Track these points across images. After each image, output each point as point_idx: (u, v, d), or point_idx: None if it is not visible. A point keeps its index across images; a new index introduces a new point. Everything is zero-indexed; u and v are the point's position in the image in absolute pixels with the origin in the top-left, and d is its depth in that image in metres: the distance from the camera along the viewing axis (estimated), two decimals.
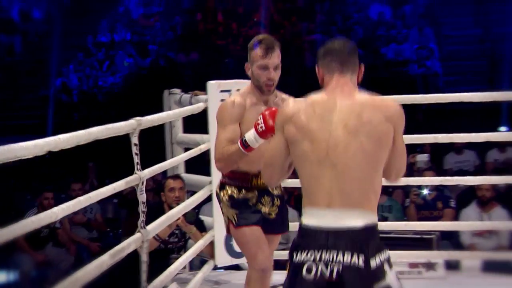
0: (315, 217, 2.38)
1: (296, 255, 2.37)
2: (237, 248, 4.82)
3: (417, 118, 9.55)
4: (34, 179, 8.95)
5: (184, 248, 4.89)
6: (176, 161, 4.90)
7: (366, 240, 2.32)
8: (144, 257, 3.54)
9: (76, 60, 13.02)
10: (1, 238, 2.36)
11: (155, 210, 4.46)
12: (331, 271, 2.28)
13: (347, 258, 2.28)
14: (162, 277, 3.85)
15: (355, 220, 2.33)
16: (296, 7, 13.09)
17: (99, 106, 11.76)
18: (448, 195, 6.74)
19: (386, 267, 2.32)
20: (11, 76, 13.30)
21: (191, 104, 4.89)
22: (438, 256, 4.94)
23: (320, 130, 2.41)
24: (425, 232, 5.20)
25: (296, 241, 2.43)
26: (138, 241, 3.46)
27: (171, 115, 4.68)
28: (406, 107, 6.66)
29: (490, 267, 4.87)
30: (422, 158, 7.20)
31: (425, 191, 6.45)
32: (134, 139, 3.48)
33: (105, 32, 13.56)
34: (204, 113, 4.70)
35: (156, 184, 6.75)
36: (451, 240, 6.00)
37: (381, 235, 5.18)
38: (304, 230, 2.41)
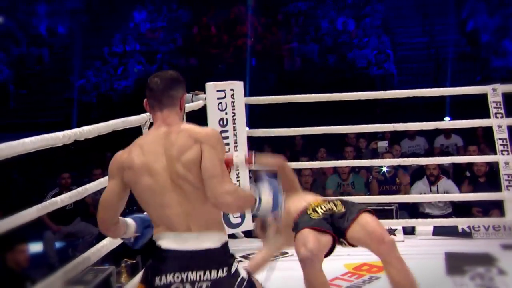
0: (176, 241, 2.17)
1: (160, 279, 2.15)
2: (234, 220, 4.80)
3: (376, 111, 9.52)
4: (60, 167, 8.87)
5: None
6: None
7: (224, 256, 2.21)
8: None
9: (94, 67, 12.94)
10: (34, 215, 2.33)
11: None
12: None
13: (213, 274, 2.16)
14: None
15: (214, 241, 2.18)
16: (276, 21, 13.03)
17: (114, 106, 11.67)
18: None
19: (239, 267, 2.25)
20: (40, 82, 13.21)
21: (192, 102, 4.86)
22: (397, 224, 4.95)
23: (156, 163, 2.20)
24: (386, 203, 5.21)
25: (155, 265, 2.20)
26: None
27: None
28: (368, 102, 6.70)
29: (440, 231, 4.89)
30: (382, 144, 7.21)
31: (384, 169, 6.45)
32: (145, 131, 3.46)
33: (118, 44, 13.48)
34: (203, 109, 4.67)
35: None
36: (407, 209, 6.01)
37: None
38: (164, 253, 2.17)
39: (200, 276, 2.15)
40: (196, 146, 2.20)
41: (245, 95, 4.97)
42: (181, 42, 13.26)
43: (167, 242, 2.18)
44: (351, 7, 13.20)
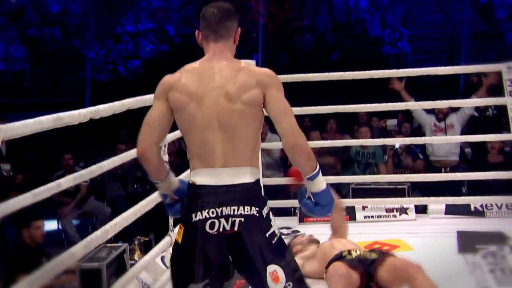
0: (211, 177, 2.17)
1: (196, 215, 2.15)
2: None
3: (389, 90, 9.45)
4: (76, 144, 8.95)
5: None
6: None
7: (256, 193, 2.21)
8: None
9: (107, 47, 12.95)
10: (49, 192, 2.37)
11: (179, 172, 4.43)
12: (232, 224, 2.14)
13: (247, 209, 2.15)
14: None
15: (248, 176, 2.18)
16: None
17: (127, 85, 11.69)
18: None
19: (271, 216, 2.22)
20: (53, 61, 13.24)
21: None
22: (409, 202, 4.96)
23: (205, 97, 2.17)
24: (399, 183, 5.22)
25: (190, 202, 2.20)
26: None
27: None
28: (381, 81, 6.70)
29: (452, 210, 4.89)
30: (391, 122, 7.18)
31: (397, 145, 6.49)
32: None
33: (131, 23, 13.44)
34: None
35: (177, 149, 6.71)
36: (420, 188, 6.02)
37: (363, 186, 5.25)
38: (200, 190, 2.18)
39: (234, 211, 2.15)
40: (259, 87, 2.18)
41: None
42: (194, 21, 13.20)
43: (202, 178, 2.19)
44: None
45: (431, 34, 11.57)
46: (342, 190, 5.90)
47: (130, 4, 13.91)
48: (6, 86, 12.62)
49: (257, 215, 2.16)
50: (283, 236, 2.29)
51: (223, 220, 2.14)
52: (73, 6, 14.10)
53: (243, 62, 2.26)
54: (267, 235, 2.17)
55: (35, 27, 13.79)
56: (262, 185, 2.35)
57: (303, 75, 5.16)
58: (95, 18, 13.55)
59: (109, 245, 3.50)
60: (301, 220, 4.94)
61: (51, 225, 7.00)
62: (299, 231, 4.60)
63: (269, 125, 6.44)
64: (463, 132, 6.26)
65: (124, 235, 4.86)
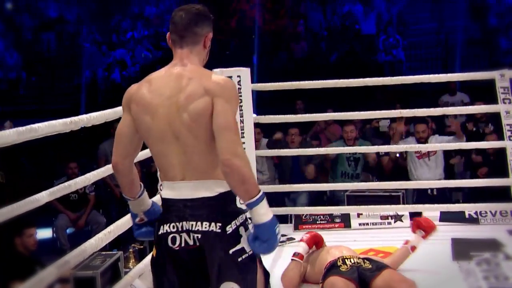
0: (173, 190, 2.11)
1: (159, 229, 2.12)
2: (239, 205, 4.81)
3: (386, 97, 9.46)
4: (69, 153, 8.90)
5: None
6: None
7: (221, 208, 2.07)
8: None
9: (103, 54, 12.95)
10: (43, 200, 2.36)
11: None
12: (194, 239, 2.06)
13: (205, 226, 2.05)
14: None
15: (209, 190, 2.07)
16: (283, 5, 12.82)
17: (123, 91, 11.67)
18: None
19: (241, 231, 2.08)
20: (49, 68, 13.24)
21: None
22: (403, 209, 4.95)
23: (159, 106, 2.08)
24: (393, 190, 5.22)
25: (162, 214, 2.18)
26: (159, 201, 3.45)
27: None
28: (376, 88, 6.67)
29: (446, 217, 4.89)
30: (384, 123, 7.08)
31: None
32: None
33: (126, 30, 13.45)
34: None
35: None
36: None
37: (357, 193, 5.24)
38: (164, 203, 2.16)
39: (192, 226, 2.07)
40: (207, 97, 2.06)
41: (253, 81, 4.96)
42: None
43: (165, 191, 2.15)
44: None
45: (426, 41, 11.62)
46: (338, 196, 5.91)
47: (125, 12, 13.90)
48: (1, 93, 12.61)
49: (219, 231, 2.05)
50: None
51: (184, 235, 2.08)
52: (69, 13, 14.08)
53: (204, 70, 2.16)
54: (230, 251, 2.06)
55: (31, 34, 13.78)
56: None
57: (297, 82, 5.17)
58: (91, 25, 13.55)
59: (104, 253, 3.50)
60: (296, 227, 4.93)
61: (45, 233, 6.97)
62: (294, 238, 4.60)
63: (263, 132, 6.46)
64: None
65: (119, 243, 4.84)
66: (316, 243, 3.59)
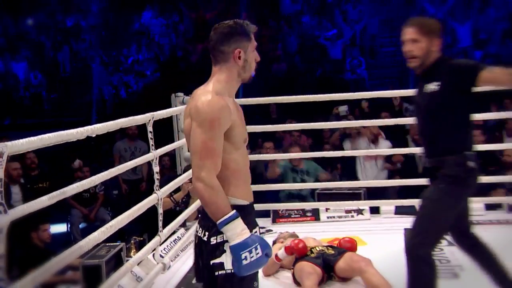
0: None
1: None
2: None
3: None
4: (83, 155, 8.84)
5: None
6: (181, 143, 4.88)
7: (211, 220, 1.89)
8: (160, 210, 3.54)
9: (112, 74, 12.92)
10: (56, 198, 2.35)
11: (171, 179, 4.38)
12: (196, 240, 2.02)
13: (199, 231, 1.97)
14: (171, 224, 3.86)
15: None
16: (266, 26, 12.77)
17: (129, 106, 11.66)
18: None
19: (226, 246, 1.87)
20: (66, 87, 13.23)
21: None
22: (364, 205, 4.99)
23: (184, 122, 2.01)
24: (356, 188, 5.25)
25: None
26: (155, 199, 3.46)
27: (176, 110, 4.63)
28: (342, 102, 6.68)
29: (401, 210, 4.91)
30: (343, 108, 6.80)
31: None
32: (149, 128, 3.47)
33: (133, 53, 13.39)
34: None
35: (172, 161, 6.59)
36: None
37: (325, 191, 5.26)
38: None
39: (197, 228, 2.02)
40: (188, 119, 1.95)
41: (239, 96, 4.98)
42: (183, 53, 13.16)
43: None
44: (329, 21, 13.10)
45: (385, 63, 11.70)
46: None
47: (132, 37, 13.85)
48: (27, 108, 12.58)
49: (205, 239, 1.94)
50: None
51: (196, 234, 2.05)
52: (82, 40, 14.01)
53: (207, 90, 1.92)
54: (211, 262, 1.91)
55: (50, 57, 13.74)
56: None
57: (273, 97, 5.21)
58: (101, 49, 13.52)
59: (108, 244, 3.50)
60: (273, 221, 4.95)
61: (61, 228, 6.92)
62: (272, 230, 4.63)
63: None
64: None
65: (122, 235, 4.82)
66: (294, 253, 3.47)
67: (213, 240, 1.92)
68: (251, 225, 1.95)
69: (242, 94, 7.99)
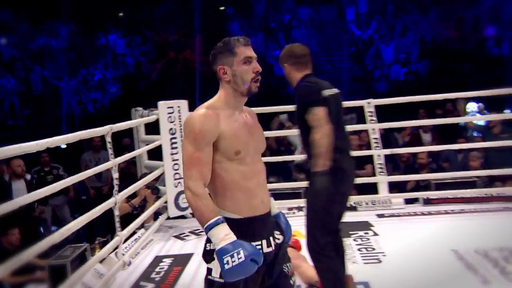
0: None
1: None
2: (182, 204, 4.77)
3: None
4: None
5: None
6: (141, 152, 4.81)
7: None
8: (116, 212, 3.48)
9: (80, 90, 12.62)
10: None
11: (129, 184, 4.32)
12: None
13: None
14: (131, 225, 3.80)
15: None
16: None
17: (95, 119, 11.40)
18: None
19: (215, 257, 1.70)
20: (38, 103, 12.81)
21: (148, 116, 4.82)
22: (304, 202, 5.01)
23: None
24: (296, 187, 5.28)
25: None
26: (113, 202, 3.40)
27: (134, 122, 4.57)
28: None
29: None
30: (283, 116, 6.82)
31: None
32: (108, 139, 3.41)
33: (98, 71, 13.11)
34: (157, 122, 4.63)
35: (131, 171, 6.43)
36: None
37: (272, 191, 5.28)
38: None
39: None
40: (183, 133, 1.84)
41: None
42: (147, 70, 13.01)
43: None
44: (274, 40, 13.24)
45: (322, 79, 11.88)
46: None
47: (98, 56, 13.55)
48: (2, 124, 12.20)
49: (205, 243, 1.80)
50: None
51: None
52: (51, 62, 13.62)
53: (201, 106, 1.82)
54: (206, 266, 1.79)
55: (24, 78, 13.28)
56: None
57: None
58: (69, 68, 13.18)
59: (73, 245, 3.41)
60: None
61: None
62: None
63: None
64: None
65: (87, 236, 4.70)
66: None
67: (208, 246, 1.79)
68: (248, 238, 1.75)
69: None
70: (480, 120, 5.64)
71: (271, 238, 1.83)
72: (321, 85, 2.66)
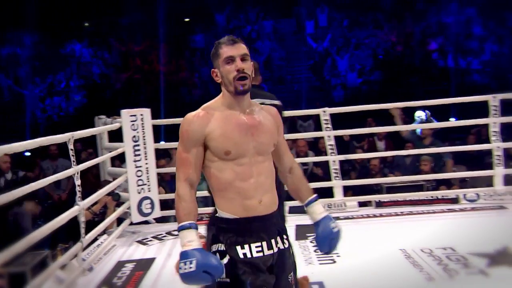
0: None
1: None
2: (146, 210, 4.69)
3: None
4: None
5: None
6: (104, 158, 4.71)
7: (210, 230, 1.78)
8: (82, 219, 3.40)
9: (45, 99, 12.25)
10: None
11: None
12: None
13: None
14: (93, 231, 3.71)
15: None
16: (182, 55, 12.63)
17: (59, 127, 11.07)
18: None
19: (214, 245, 1.72)
20: (2, 111, 12.34)
21: (112, 124, 4.73)
22: None
23: None
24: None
25: None
26: (77, 210, 3.31)
27: (96, 130, 4.48)
28: None
29: (294, 210, 5.01)
30: None
31: None
32: (70, 146, 3.33)
33: (63, 79, 12.77)
34: (120, 130, 4.56)
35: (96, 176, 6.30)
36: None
37: None
38: None
39: None
40: None
41: (161, 117, 4.89)
42: (112, 78, 12.75)
43: None
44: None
45: (283, 88, 12.04)
46: None
47: (63, 65, 13.20)
48: None
49: (211, 245, 1.76)
50: None
51: None
52: (19, 69, 13.16)
53: (202, 106, 1.82)
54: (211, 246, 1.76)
55: None
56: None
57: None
58: (34, 76, 12.78)
59: (34, 252, 3.29)
60: None
61: None
62: None
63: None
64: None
65: (49, 242, 4.54)
66: None
67: (214, 248, 1.73)
68: (245, 238, 1.71)
69: (164, 115, 7.85)
70: (427, 127, 5.79)
71: (273, 241, 1.75)
72: (262, 96, 2.70)
